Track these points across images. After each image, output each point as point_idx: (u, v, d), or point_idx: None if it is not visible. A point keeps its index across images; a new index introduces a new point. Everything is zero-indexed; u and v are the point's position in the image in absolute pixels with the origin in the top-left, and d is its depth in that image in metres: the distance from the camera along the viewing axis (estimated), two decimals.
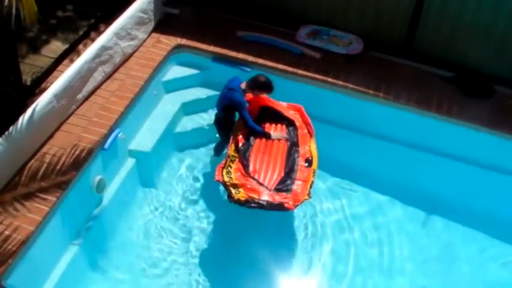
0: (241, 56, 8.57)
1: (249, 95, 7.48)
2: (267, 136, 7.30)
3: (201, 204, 7.82)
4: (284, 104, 7.73)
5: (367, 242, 7.61)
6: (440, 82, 8.37)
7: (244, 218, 7.22)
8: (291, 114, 7.63)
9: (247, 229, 7.45)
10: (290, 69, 8.42)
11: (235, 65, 8.52)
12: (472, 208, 7.82)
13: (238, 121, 7.47)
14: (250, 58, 8.54)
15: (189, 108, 8.48)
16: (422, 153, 8.10)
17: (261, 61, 8.50)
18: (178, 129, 8.37)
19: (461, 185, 7.90)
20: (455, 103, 8.08)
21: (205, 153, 8.35)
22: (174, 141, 8.32)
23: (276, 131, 7.42)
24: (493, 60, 8.33)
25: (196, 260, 7.28)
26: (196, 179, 8.09)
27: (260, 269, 7.17)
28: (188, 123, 8.44)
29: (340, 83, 8.27)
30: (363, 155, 8.15)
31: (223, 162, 7.06)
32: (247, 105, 7.40)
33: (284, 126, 7.51)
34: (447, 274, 7.34)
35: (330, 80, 8.29)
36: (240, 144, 7.18)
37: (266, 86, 7.37)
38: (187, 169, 8.23)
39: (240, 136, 7.28)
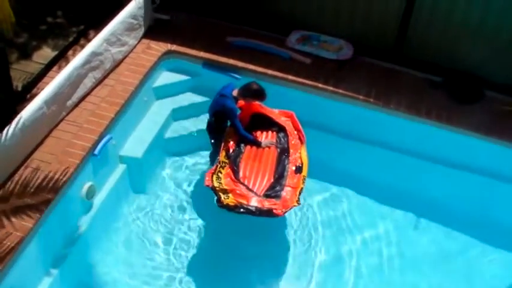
0: (231, 61, 8.57)
1: (241, 102, 7.47)
2: (257, 144, 7.30)
3: (192, 210, 7.82)
4: (276, 110, 7.73)
5: (359, 246, 7.66)
6: (430, 87, 8.40)
7: (235, 223, 7.21)
8: (282, 120, 7.63)
9: (239, 235, 7.45)
10: (280, 74, 8.42)
11: (225, 71, 8.51)
12: (465, 213, 7.87)
13: (230, 128, 7.47)
14: (241, 64, 8.55)
15: (180, 114, 8.47)
16: (413, 159, 8.14)
17: (251, 67, 8.50)
18: (169, 135, 8.36)
19: (453, 190, 7.94)
20: (444, 108, 8.11)
21: (196, 159, 8.36)
22: (164, 147, 8.31)
23: (267, 138, 7.42)
24: (482, 65, 8.36)
25: (187, 267, 7.26)
26: (187, 185, 8.09)
27: (251, 276, 7.21)
28: (179, 129, 8.42)
29: (330, 88, 8.29)
30: (353, 160, 8.17)
31: (214, 167, 7.06)
32: (238, 112, 7.40)
33: (275, 132, 7.50)
34: (445, 280, 7.39)
35: (320, 85, 8.31)
36: (231, 151, 7.18)
37: (259, 94, 7.34)
38: (178, 175, 8.24)
39: (231, 142, 7.28)
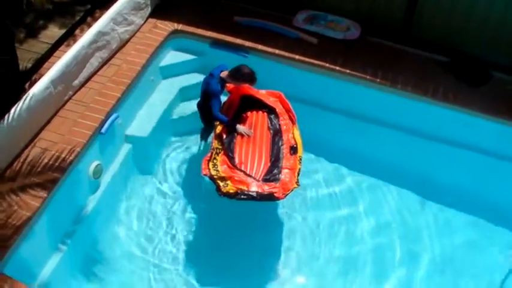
0: (238, 41, 8.54)
1: (230, 85, 7.36)
2: (232, 126, 7.11)
3: (197, 191, 7.84)
4: (263, 91, 7.59)
5: (361, 231, 7.67)
6: (437, 67, 8.36)
7: (239, 206, 7.19)
8: (271, 101, 7.52)
9: (243, 219, 7.49)
10: (287, 54, 8.39)
11: (233, 50, 8.49)
12: (469, 194, 7.86)
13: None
14: (248, 43, 8.51)
15: (186, 93, 8.47)
16: (419, 139, 8.12)
17: (258, 46, 8.47)
18: (175, 114, 8.38)
19: (459, 170, 7.93)
20: (451, 89, 8.07)
21: (200, 139, 8.36)
22: (171, 126, 8.33)
23: (258, 121, 7.26)
24: (490, 45, 8.30)
25: (189, 248, 7.33)
26: (192, 165, 8.11)
27: (254, 263, 7.29)
28: (185, 108, 8.43)
29: (338, 68, 8.25)
30: (361, 140, 8.18)
31: (209, 155, 6.99)
32: (220, 92, 7.21)
33: (265, 114, 7.38)
34: (448, 262, 7.41)
35: (327, 65, 8.27)
36: (224, 136, 7.08)
37: (249, 77, 7.12)
38: (183, 154, 8.27)
39: (223, 128, 7.19)
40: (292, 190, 6.67)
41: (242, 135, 7.08)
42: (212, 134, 7.49)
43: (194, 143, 8.36)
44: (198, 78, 8.56)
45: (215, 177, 6.69)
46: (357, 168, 8.21)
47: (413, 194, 8.01)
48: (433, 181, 8.00)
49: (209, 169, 6.77)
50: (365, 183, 8.11)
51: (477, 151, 7.95)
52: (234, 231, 7.46)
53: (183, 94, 8.47)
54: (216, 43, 8.63)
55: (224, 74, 7.19)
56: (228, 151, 6.92)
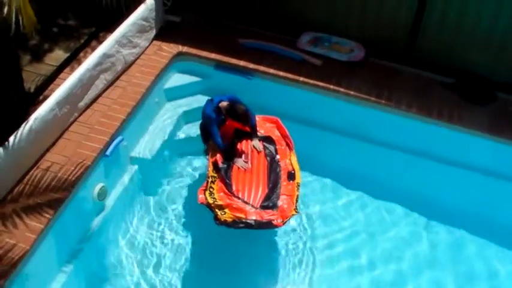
0: (242, 63, 8.56)
1: None
2: (227, 156, 7.03)
3: (202, 212, 7.77)
4: (260, 117, 7.50)
5: (364, 252, 7.62)
6: (441, 88, 8.37)
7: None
8: (267, 127, 7.46)
9: (246, 238, 7.39)
10: (291, 76, 8.40)
11: (237, 72, 8.52)
12: (473, 214, 7.81)
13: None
14: (252, 65, 8.54)
15: (191, 115, 8.46)
16: (424, 160, 8.09)
17: (262, 68, 8.50)
18: (179, 136, 8.38)
19: (463, 191, 7.88)
20: (456, 109, 8.07)
21: (206, 160, 8.33)
22: (175, 148, 8.31)
23: (241, 157, 7.11)
24: (493, 66, 8.32)
25: (192, 274, 7.28)
26: (197, 187, 7.99)
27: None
28: (189, 130, 8.43)
29: (342, 89, 8.26)
30: (364, 161, 8.15)
31: (204, 184, 6.85)
32: (214, 119, 7.06)
33: (261, 141, 7.28)
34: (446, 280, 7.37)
35: (331, 87, 8.28)
36: (220, 164, 6.96)
37: (241, 120, 6.99)
38: (188, 176, 8.25)
39: (218, 156, 7.05)
40: (290, 217, 6.54)
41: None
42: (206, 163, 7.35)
43: (199, 164, 8.33)
44: (202, 100, 8.43)
45: (212, 205, 6.55)
46: (357, 189, 8.16)
47: (416, 215, 7.96)
48: (437, 202, 7.94)
49: (206, 197, 6.63)
50: (368, 205, 8.07)
51: (481, 172, 7.91)
52: (241, 253, 7.42)
53: (188, 116, 8.47)
54: (221, 65, 8.65)
55: (223, 105, 7.05)
56: (225, 178, 6.79)
